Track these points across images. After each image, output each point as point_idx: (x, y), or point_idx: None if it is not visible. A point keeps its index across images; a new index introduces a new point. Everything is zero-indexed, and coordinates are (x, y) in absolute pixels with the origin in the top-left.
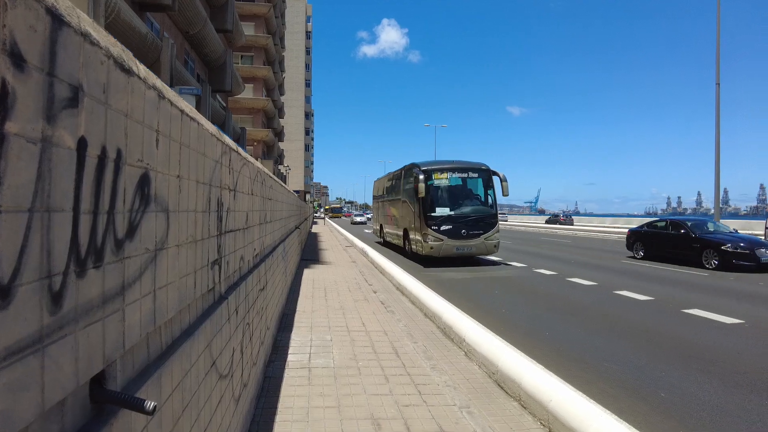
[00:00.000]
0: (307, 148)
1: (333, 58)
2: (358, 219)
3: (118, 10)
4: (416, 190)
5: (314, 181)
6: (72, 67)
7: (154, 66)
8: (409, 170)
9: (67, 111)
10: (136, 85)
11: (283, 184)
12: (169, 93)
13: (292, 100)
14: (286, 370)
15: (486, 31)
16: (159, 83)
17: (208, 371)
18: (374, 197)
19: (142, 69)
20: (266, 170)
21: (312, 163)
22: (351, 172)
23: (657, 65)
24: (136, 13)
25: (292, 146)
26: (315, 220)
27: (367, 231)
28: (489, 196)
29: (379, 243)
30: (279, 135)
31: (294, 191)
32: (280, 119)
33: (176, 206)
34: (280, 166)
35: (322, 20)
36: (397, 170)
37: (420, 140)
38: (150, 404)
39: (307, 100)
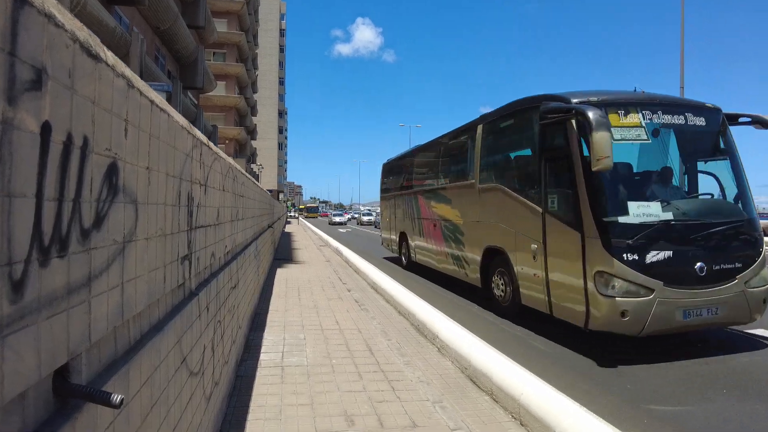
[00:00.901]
0: (281, 146)
1: (307, 56)
2: (337, 219)
3: (84, 2)
4: (571, 157)
5: (288, 180)
6: (35, 49)
7: (123, 61)
8: (525, 112)
9: (30, 93)
10: (104, 71)
11: (256, 182)
12: (139, 83)
13: (266, 98)
14: (259, 369)
15: (460, 33)
16: (128, 72)
17: (179, 368)
18: (384, 190)
19: (110, 56)
20: (238, 167)
21: (285, 162)
22: (325, 171)
23: (629, 65)
24: (104, 6)
25: (265, 145)
26: (288, 219)
27: (341, 231)
28: (731, 174)
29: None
30: (252, 133)
31: (267, 190)
32: (253, 117)
33: (145, 198)
34: (252, 165)
35: (296, 18)
36: (466, 125)
37: (394, 140)
38: (117, 397)
39: (281, 98)
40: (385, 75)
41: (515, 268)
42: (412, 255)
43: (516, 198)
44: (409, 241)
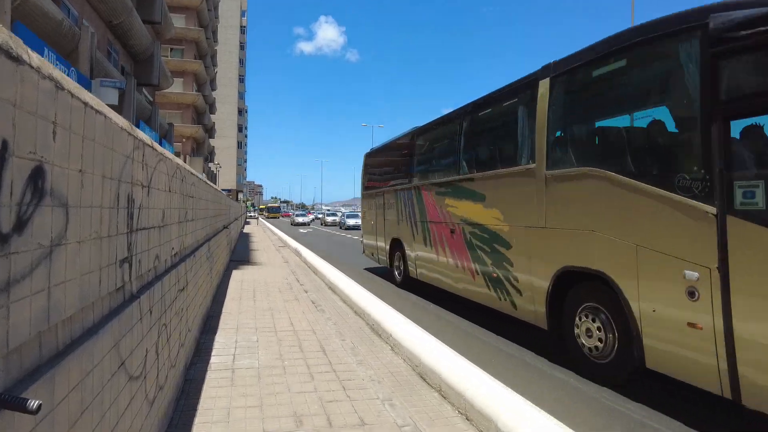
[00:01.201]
0: (240, 145)
1: (269, 54)
2: (300, 219)
3: None
4: None
5: (247, 179)
6: None
7: (71, 55)
8: (663, 42)
9: None
10: (27, 74)
11: (209, 182)
12: (70, 84)
13: (225, 95)
14: (209, 372)
15: (423, 34)
16: (57, 74)
17: (116, 372)
18: (368, 186)
19: (35, 58)
20: (187, 167)
21: (245, 161)
22: (287, 171)
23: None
24: None
25: (224, 143)
26: (248, 220)
27: (302, 231)
28: None
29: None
30: (210, 131)
31: (225, 190)
32: (212, 115)
33: (77, 201)
34: (210, 164)
35: (258, 15)
36: (513, 84)
37: (357, 140)
38: (33, 403)
39: (241, 96)
40: (348, 74)
41: (633, 306)
42: (410, 269)
43: (640, 189)
44: (407, 251)
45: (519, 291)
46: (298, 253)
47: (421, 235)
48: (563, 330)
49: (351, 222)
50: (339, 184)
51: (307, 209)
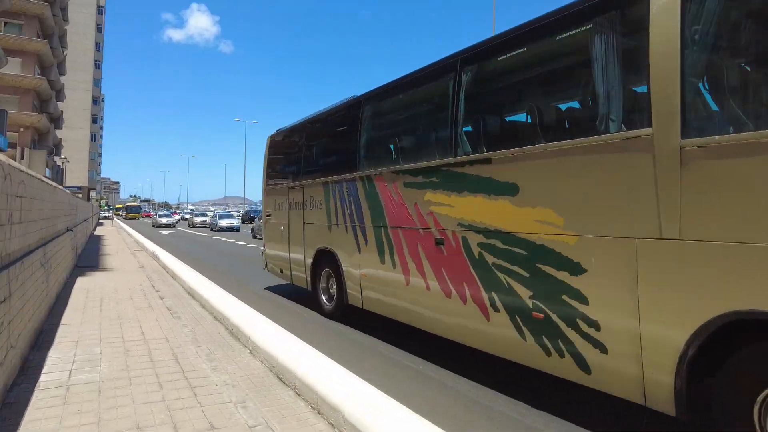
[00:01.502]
0: (94, 138)
1: (132, 39)
2: (164, 220)
3: None
4: None
5: (102, 176)
6: None
7: None
8: None
9: None
10: None
11: (45, 180)
12: None
13: (77, 81)
14: (36, 392)
15: (301, 31)
16: None
17: None
18: (276, 178)
19: None
20: (13, 163)
21: (100, 156)
22: (148, 167)
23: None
24: None
25: (74, 135)
26: (101, 221)
27: (163, 232)
28: None
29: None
30: (56, 121)
31: (73, 187)
32: (60, 103)
33: None
34: (56, 158)
35: None
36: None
37: (229, 136)
38: None
39: (97, 83)
40: (222, 66)
41: None
42: (350, 293)
43: None
44: (346, 268)
45: (600, 345)
46: (155, 257)
47: (374, 245)
48: (717, 420)
49: (225, 223)
50: (208, 183)
51: (171, 209)
